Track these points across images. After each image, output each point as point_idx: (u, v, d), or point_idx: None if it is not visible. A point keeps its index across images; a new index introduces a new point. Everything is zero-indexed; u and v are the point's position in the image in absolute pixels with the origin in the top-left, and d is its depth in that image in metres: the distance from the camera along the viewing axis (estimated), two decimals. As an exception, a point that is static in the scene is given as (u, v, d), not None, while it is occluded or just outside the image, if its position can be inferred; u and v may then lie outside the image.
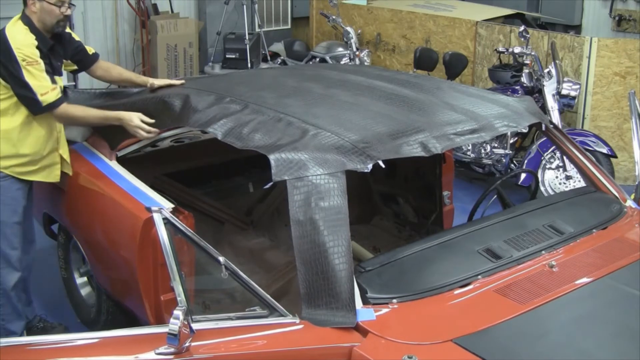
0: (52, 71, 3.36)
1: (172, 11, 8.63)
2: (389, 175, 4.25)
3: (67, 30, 3.53)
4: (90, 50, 3.70)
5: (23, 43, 3.24)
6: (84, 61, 3.69)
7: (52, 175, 3.51)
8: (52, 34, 3.40)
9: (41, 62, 3.25)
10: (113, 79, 3.87)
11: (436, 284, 2.53)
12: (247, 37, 7.91)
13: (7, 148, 3.33)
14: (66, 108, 3.35)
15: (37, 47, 3.27)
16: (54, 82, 3.32)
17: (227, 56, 8.20)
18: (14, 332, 3.50)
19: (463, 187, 5.70)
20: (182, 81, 3.66)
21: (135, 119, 3.29)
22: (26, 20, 3.32)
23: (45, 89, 3.25)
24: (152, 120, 3.31)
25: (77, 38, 3.63)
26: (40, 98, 3.24)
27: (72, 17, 8.18)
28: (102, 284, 3.54)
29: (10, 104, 3.30)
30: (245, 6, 8.18)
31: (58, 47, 3.47)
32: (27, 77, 3.21)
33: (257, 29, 8.39)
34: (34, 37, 3.29)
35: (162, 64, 8.18)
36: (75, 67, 3.73)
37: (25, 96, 3.25)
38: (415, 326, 2.38)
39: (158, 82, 3.65)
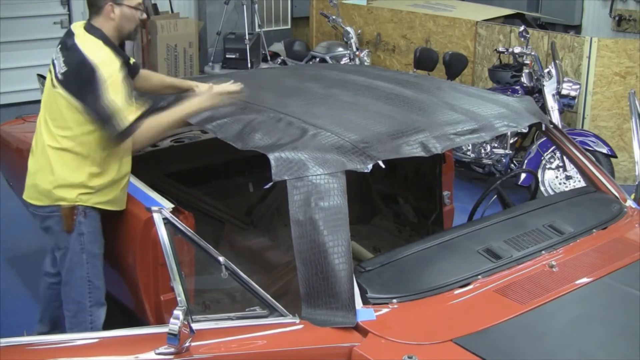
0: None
1: (172, 11, 8.63)
2: (389, 175, 4.25)
3: None
4: (131, 59, 3.16)
5: (106, 59, 2.83)
6: (131, 73, 3.09)
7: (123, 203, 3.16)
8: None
9: (125, 80, 2.85)
10: (154, 88, 3.32)
11: (436, 284, 2.53)
12: (247, 37, 7.92)
13: (88, 180, 2.98)
14: (141, 128, 2.84)
15: (120, 64, 2.86)
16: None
17: (227, 56, 8.21)
18: None
19: (463, 187, 5.70)
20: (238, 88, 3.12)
21: (222, 88, 3.02)
22: (97, 33, 2.90)
23: (129, 111, 2.79)
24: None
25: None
26: (121, 122, 2.77)
27: (72, 17, 8.23)
28: (102, 284, 3.54)
29: (91, 137, 2.90)
30: (245, 6, 8.18)
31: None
32: (112, 97, 2.77)
33: (257, 29, 8.39)
34: (111, 51, 2.88)
35: (162, 64, 8.19)
36: None
37: (106, 120, 2.77)
38: (415, 326, 2.38)
39: (202, 86, 3.20)
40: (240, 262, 3.81)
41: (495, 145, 5.67)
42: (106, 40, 2.91)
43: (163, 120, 2.92)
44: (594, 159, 4.98)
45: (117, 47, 2.96)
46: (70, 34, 2.96)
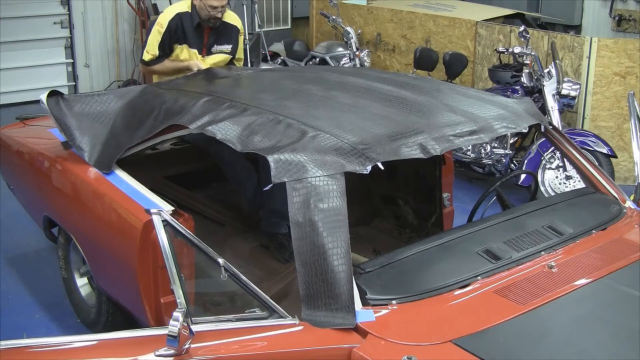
0: (187, 43, 4.38)
1: (172, 11, 8.62)
2: (389, 178, 4.25)
3: (239, 28, 4.72)
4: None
5: (166, 12, 4.35)
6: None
7: None
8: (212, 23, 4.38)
9: (164, 28, 4.27)
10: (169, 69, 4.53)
11: (436, 285, 2.53)
12: (247, 37, 7.91)
13: None
14: (149, 68, 4.47)
15: (175, 18, 4.26)
16: (164, 49, 4.34)
17: (227, 56, 8.18)
18: None
19: (463, 187, 5.71)
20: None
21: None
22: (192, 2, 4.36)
23: (148, 48, 4.36)
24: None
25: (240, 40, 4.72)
26: (144, 52, 4.41)
27: (72, 17, 8.23)
28: (103, 287, 3.54)
29: None
30: (245, 6, 8.18)
31: (213, 31, 4.45)
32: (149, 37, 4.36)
33: (257, 29, 8.39)
34: (183, 12, 4.30)
35: (162, 64, 8.18)
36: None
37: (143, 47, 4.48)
38: (415, 327, 2.38)
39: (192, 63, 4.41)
40: (240, 264, 3.82)
41: (495, 145, 5.67)
42: (192, 7, 4.33)
43: (172, 65, 4.44)
44: (593, 160, 5.01)
45: (195, 13, 4.32)
46: None
